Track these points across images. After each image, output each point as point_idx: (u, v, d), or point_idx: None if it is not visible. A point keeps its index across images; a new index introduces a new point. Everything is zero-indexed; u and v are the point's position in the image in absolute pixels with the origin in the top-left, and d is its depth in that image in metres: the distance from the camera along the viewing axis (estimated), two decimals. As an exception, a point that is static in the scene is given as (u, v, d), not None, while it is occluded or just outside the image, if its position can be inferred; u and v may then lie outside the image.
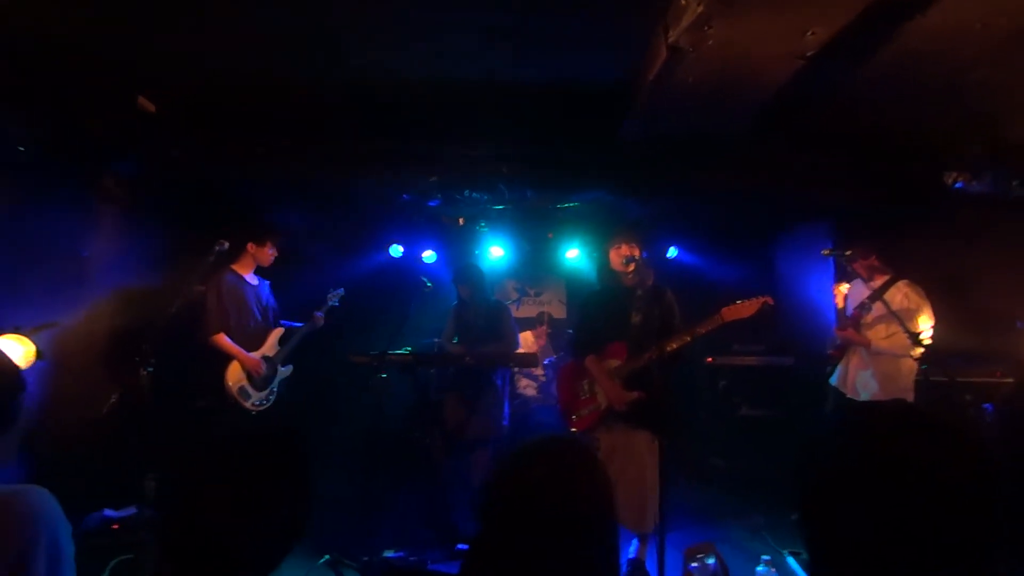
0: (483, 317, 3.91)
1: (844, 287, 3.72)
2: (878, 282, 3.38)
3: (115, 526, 3.13)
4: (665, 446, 2.51)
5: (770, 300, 2.58)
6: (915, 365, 3.33)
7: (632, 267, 2.79)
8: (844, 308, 3.66)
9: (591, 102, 3.19)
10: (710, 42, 2.34)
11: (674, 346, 2.62)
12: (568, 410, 2.91)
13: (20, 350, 2.65)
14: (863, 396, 3.41)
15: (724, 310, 2.61)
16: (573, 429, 2.87)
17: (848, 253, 3.23)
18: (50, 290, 3.16)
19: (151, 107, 3.35)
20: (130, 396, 2.86)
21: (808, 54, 2.52)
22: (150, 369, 2.73)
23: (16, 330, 2.65)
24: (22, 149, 2.86)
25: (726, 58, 2.48)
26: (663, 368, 2.65)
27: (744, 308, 2.58)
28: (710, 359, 4.81)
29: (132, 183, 3.78)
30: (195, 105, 3.40)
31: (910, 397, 3.33)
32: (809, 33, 2.35)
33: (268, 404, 3.75)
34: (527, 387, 5.39)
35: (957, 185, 3.69)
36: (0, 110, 2.80)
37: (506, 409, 3.97)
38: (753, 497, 3.97)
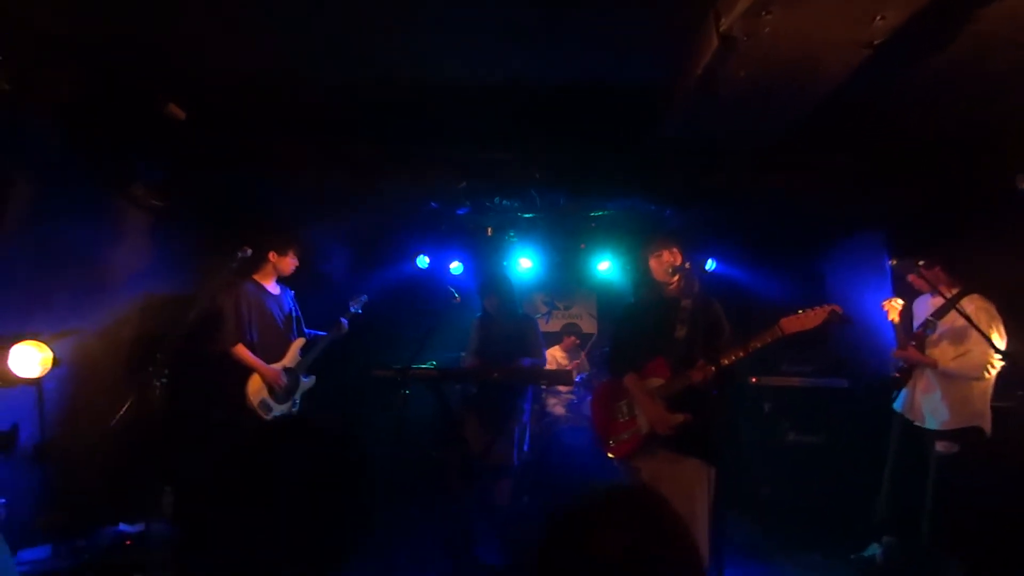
0: (510, 331, 3.69)
1: (898, 302, 3.36)
2: (943, 297, 3.05)
3: (128, 542, 3.03)
4: (718, 475, 2.23)
5: (838, 308, 2.28)
6: (989, 388, 2.99)
7: (677, 277, 2.56)
8: (900, 324, 3.31)
9: (627, 104, 3.01)
10: (767, 29, 2.14)
11: (727, 361, 2.36)
12: (605, 434, 2.66)
13: (37, 356, 2.59)
14: (932, 423, 3.07)
15: (783, 321, 2.32)
16: (610, 455, 2.63)
17: (921, 263, 2.92)
18: (74, 297, 3.12)
19: (181, 114, 3.31)
20: (143, 407, 2.75)
21: (876, 42, 2.28)
22: (164, 380, 2.62)
23: (35, 336, 2.58)
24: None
25: (784, 48, 2.27)
26: (714, 387, 2.39)
27: (808, 319, 2.29)
28: (754, 379, 4.47)
29: (160, 190, 3.76)
30: (220, 110, 3.35)
31: (986, 424, 2.98)
32: (879, 18, 2.12)
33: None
34: (555, 405, 5.14)
35: (1032, 190, 3.35)
36: (29, 115, 2.78)
37: (528, 433, 3.72)
38: (804, 533, 3.63)
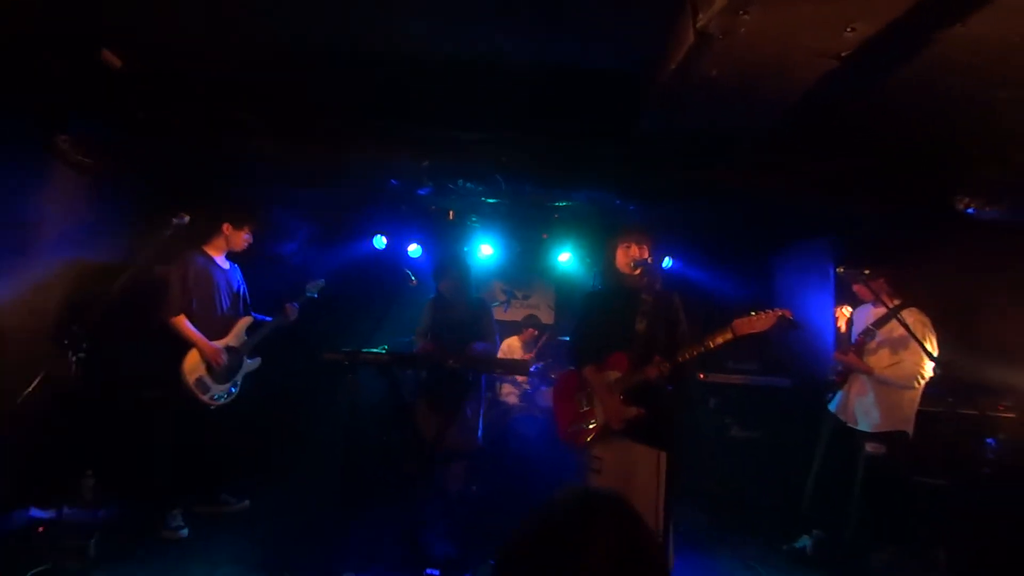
0: (464, 315, 3.62)
1: (847, 309, 3.55)
2: (884, 307, 3.22)
3: (41, 528, 2.79)
4: (668, 460, 2.28)
5: (788, 313, 2.36)
6: (917, 396, 3.20)
7: (640, 270, 2.57)
8: (847, 332, 3.49)
9: (604, 92, 2.95)
10: (743, 29, 2.13)
11: (684, 358, 2.39)
12: (563, 423, 2.68)
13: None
14: (863, 425, 3.25)
15: (736, 322, 2.38)
16: (567, 442, 2.66)
17: (867, 272, 3.05)
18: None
19: (117, 62, 3.00)
20: (58, 383, 2.50)
21: (843, 54, 2.32)
22: (81, 354, 2.38)
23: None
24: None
25: (757, 50, 2.27)
26: (669, 383, 2.42)
27: (759, 321, 2.35)
28: (702, 375, 4.60)
29: (94, 146, 3.42)
30: (166, 66, 3.06)
31: (911, 428, 3.18)
32: (849, 29, 2.16)
33: (229, 399, 3.43)
34: (509, 394, 5.12)
35: (969, 211, 3.57)
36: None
37: (481, 419, 3.69)
38: (743, 523, 3.78)
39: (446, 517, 3.38)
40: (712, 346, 2.39)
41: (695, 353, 2.41)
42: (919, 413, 3.20)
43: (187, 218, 2.87)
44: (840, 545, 3.25)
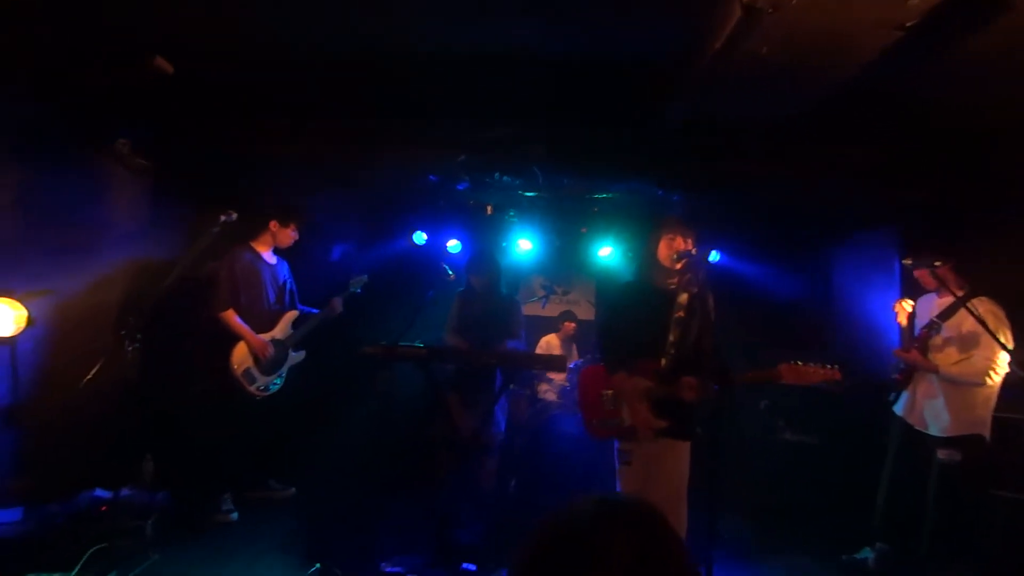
0: (492, 309, 3.62)
1: (908, 303, 3.24)
2: (950, 297, 2.94)
3: (104, 508, 2.97)
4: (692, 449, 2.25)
5: (839, 375, 2.25)
6: (993, 395, 2.90)
7: (682, 264, 2.45)
8: (909, 326, 3.20)
9: (638, 80, 2.84)
10: (794, 1, 1.98)
11: (718, 385, 2.30)
12: (589, 416, 2.63)
13: (10, 314, 2.48)
14: (933, 429, 2.98)
15: (783, 368, 2.30)
16: (594, 437, 2.63)
17: (937, 264, 2.79)
18: (52, 257, 3.00)
19: (169, 68, 3.15)
20: (116, 372, 2.66)
21: (908, 24, 2.13)
22: (136, 345, 2.53)
23: (8, 294, 2.47)
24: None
25: (810, 25, 2.12)
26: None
27: (806, 373, 2.27)
28: (749, 373, 4.38)
29: (150, 150, 3.62)
30: (213, 72, 3.19)
31: (987, 432, 2.89)
32: (914, -5, 1.98)
33: (274, 390, 3.55)
34: (547, 391, 5.06)
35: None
36: (5, 65, 2.63)
37: (505, 412, 3.72)
38: (793, 533, 3.56)
39: (482, 513, 3.37)
40: (751, 382, 2.38)
41: (733, 382, 2.33)
42: (996, 419, 2.91)
43: (234, 215, 2.97)
44: (907, 560, 3.00)
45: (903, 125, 3.21)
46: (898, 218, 3.94)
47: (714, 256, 4.95)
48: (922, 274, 3.04)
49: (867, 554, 3.16)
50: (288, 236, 3.65)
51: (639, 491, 2.34)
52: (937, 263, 2.85)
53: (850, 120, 3.10)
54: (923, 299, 3.19)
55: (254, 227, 3.57)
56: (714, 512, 2.14)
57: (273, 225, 3.58)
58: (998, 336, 2.71)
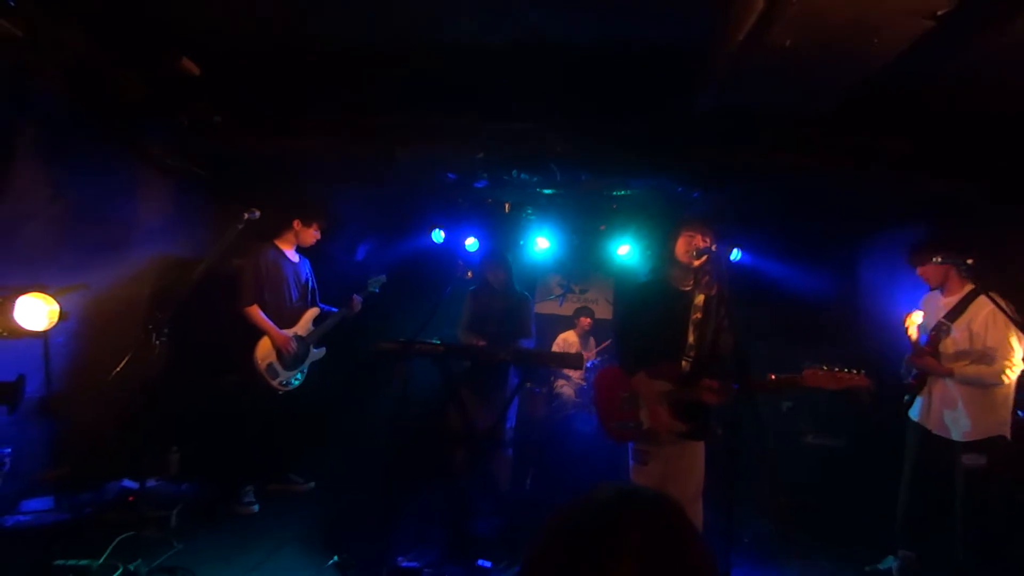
0: (504, 306, 3.69)
1: (918, 315, 3.10)
2: (955, 296, 2.83)
3: (131, 498, 3.05)
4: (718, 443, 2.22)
5: (867, 382, 2.15)
6: (1011, 392, 2.77)
7: (700, 261, 2.41)
8: (919, 338, 3.07)
9: (658, 72, 2.79)
10: (819, -9, 1.93)
11: (739, 389, 2.26)
12: (607, 417, 2.61)
13: (44, 309, 2.56)
14: (955, 434, 2.86)
15: (807, 373, 2.25)
16: (611, 437, 2.61)
17: (970, 261, 2.69)
18: (85, 253, 3.10)
19: (195, 69, 3.22)
20: (143, 366, 2.73)
21: (939, 12, 2.05)
22: (163, 339, 2.59)
23: (42, 289, 2.55)
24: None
25: (836, 14, 2.05)
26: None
27: (833, 379, 2.20)
28: (772, 376, 4.29)
29: (178, 148, 3.71)
30: (232, 71, 3.24)
31: (1008, 432, 2.77)
32: (948, -18, 1.90)
33: (296, 385, 3.61)
34: (563, 386, 5.04)
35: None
36: (39, 66, 2.72)
37: (515, 408, 3.77)
38: (814, 538, 3.47)
39: (497, 508, 3.37)
40: (774, 386, 2.31)
41: (756, 388, 2.28)
42: (1018, 420, 2.79)
43: (258, 213, 3.03)
44: (934, 569, 2.90)
45: (932, 117, 3.09)
46: (929, 213, 3.81)
47: (735, 255, 4.86)
48: (925, 270, 2.96)
49: (890, 563, 3.07)
50: (311, 235, 3.71)
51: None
52: (969, 261, 2.75)
53: (876, 112, 2.99)
54: (928, 298, 3.08)
55: (278, 225, 3.65)
56: (731, 514, 2.09)
57: (296, 224, 3.66)
58: (1010, 333, 2.62)
